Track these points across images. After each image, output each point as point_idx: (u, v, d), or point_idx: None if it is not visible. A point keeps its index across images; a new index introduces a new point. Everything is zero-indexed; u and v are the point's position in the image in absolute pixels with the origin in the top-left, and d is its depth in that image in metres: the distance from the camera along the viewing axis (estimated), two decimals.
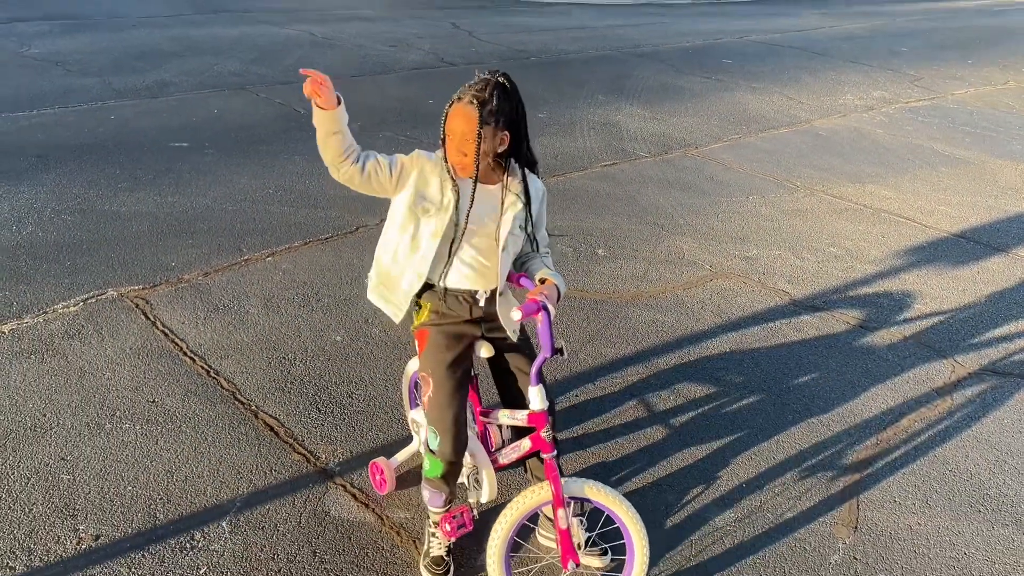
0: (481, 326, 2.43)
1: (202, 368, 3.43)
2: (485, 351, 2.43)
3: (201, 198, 5.07)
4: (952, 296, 4.55)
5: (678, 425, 3.32)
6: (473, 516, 2.50)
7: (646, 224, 5.20)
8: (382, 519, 2.74)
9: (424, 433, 2.77)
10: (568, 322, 4.00)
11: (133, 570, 2.47)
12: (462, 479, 2.60)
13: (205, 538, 2.60)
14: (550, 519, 2.54)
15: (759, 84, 9.10)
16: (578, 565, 2.35)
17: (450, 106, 2.19)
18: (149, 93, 7.20)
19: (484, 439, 2.59)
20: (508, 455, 2.47)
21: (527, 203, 2.35)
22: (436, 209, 2.28)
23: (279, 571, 2.51)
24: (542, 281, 2.34)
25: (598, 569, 2.56)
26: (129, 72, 7.83)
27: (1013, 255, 5.13)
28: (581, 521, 2.57)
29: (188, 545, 2.57)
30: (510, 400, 2.48)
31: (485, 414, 2.54)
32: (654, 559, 2.63)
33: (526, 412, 2.34)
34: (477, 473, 2.55)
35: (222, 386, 3.33)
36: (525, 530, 2.63)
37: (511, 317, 2.26)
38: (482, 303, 2.39)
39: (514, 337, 2.43)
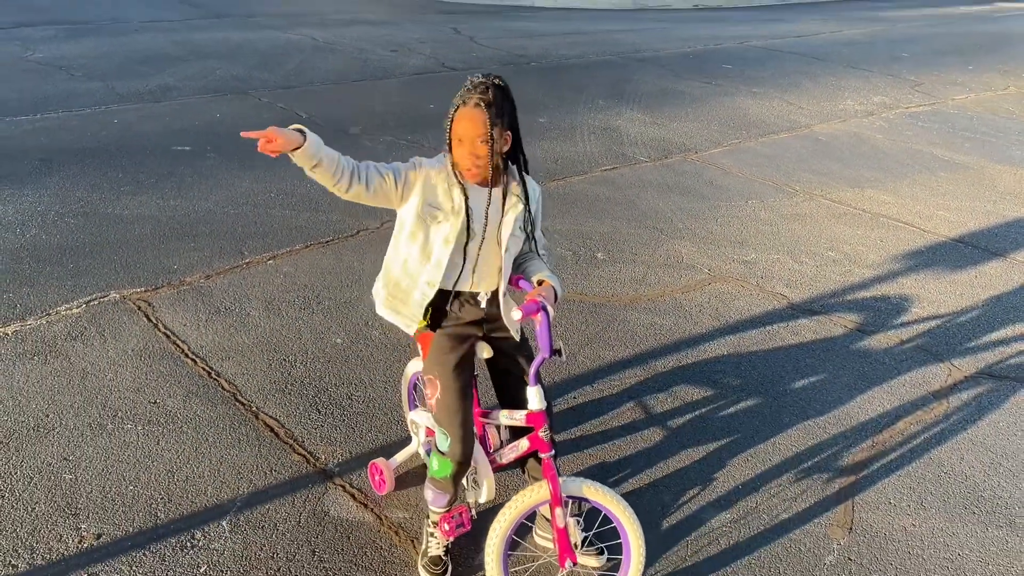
0: (483, 327, 2.45)
1: (203, 369, 3.46)
2: (485, 352, 2.46)
3: (203, 201, 5.11)
4: (949, 300, 4.58)
5: (675, 427, 3.35)
6: (472, 516, 2.53)
7: (645, 228, 5.23)
8: (381, 519, 2.76)
9: (423, 433, 2.80)
10: (567, 325, 4.03)
11: (134, 568, 2.50)
12: (462, 480, 2.62)
13: (205, 537, 2.63)
14: (547, 519, 2.57)
15: (759, 89, 9.14)
16: (575, 564, 2.37)
17: (455, 111, 2.20)
18: (152, 97, 7.25)
19: (483, 440, 2.62)
20: (506, 455, 2.49)
21: (527, 204, 2.38)
22: (445, 215, 2.29)
23: (278, 570, 2.53)
24: (540, 283, 2.37)
25: (595, 569, 2.58)
26: (132, 76, 7.88)
27: (1011, 260, 5.15)
28: (578, 521, 2.59)
29: (189, 544, 2.60)
30: (508, 401, 2.51)
31: (485, 415, 2.56)
32: (650, 559, 2.65)
33: (524, 412, 2.36)
34: (476, 473, 2.57)
35: (223, 387, 3.36)
36: (524, 529, 2.65)
37: (511, 317, 2.29)
38: (483, 304, 2.42)
39: (517, 337, 2.46)
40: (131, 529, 2.64)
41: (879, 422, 3.47)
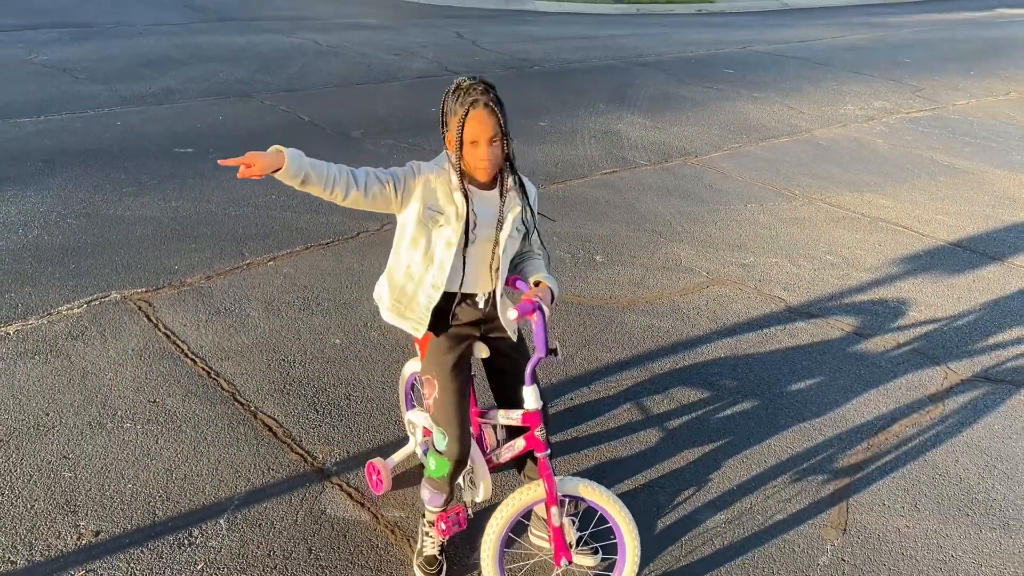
0: (480, 327, 2.47)
1: (203, 369, 3.48)
2: (483, 352, 2.48)
3: (205, 203, 5.14)
4: (947, 304, 4.59)
5: (672, 428, 3.36)
6: (468, 515, 2.55)
7: (644, 231, 5.25)
8: (377, 518, 2.78)
9: (420, 434, 2.82)
10: (565, 327, 4.05)
11: (132, 565, 2.52)
12: (458, 479, 2.64)
13: (203, 535, 2.65)
14: (543, 518, 2.59)
15: (760, 94, 9.16)
16: (570, 563, 2.39)
17: (466, 113, 2.19)
18: (155, 100, 7.28)
19: (480, 440, 2.64)
20: (503, 455, 2.51)
21: (527, 203, 2.40)
22: (447, 219, 2.30)
23: (275, 567, 2.55)
24: (536, 283, 2.39)
25: (590, 568, 2.59)
26: (136, 79, 7.92)
27: (1008, 264, 5.16)
28: (573, 520, 2.61)
29: (186, 541, 2.62)
30: (505, 400, 2.53)
31: (482, 415, 2.59)
32: (645, 559, 2.67)
33: (520, 412, 2.38)
34: (472, 473, 2.59)
35: (222, 387, 3.38)
36: (520, 527, 2.68)
37: (507, 317, 2.30)
38: (481, 305, 2.44)
39: (514, 337, 2.48)
40: (129, 526, 2.66)
41: (875, 424, 3.48)
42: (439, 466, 2.42)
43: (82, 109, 6.85)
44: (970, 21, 16.67)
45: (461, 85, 2.23)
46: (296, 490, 2.87)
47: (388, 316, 2.48)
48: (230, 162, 2.07)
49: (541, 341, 2.21)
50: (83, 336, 3.65)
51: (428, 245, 2.34)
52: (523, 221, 2.40)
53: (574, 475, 2.80)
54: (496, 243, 2.36)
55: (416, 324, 2.42)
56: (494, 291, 2.43)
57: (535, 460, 2.37)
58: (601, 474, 3.06)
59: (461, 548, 2.67)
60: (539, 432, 2.33)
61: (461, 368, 2.42)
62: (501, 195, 2.35)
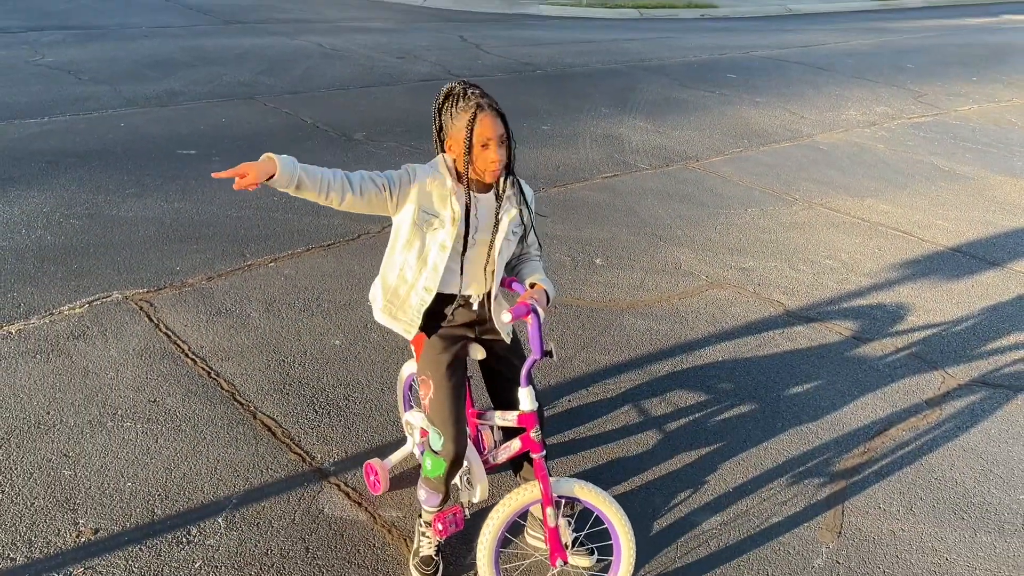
0: (475, 329, 2.49)
1: (203, 369, 3.50)
2: (479, 353, 2.50)
3: (207, 204, 5.17)
4: (945, 309, 4.60)
5: (669, 431, 3.38)
6: (465, 516, 2.56)
7: (644, 235, 5.26)
8: (374, 518, 2.80)
9: (418, 435, 2.84)
10: (563, 329, 4.06)
11: (130, 563, 2.54)
12: (455, 480, 2.66)
13: (201, 533, 2.67)
14: (539, 519, 2.60)
15: (762, 98, 9.18)
16: (566, 563, 2.40)
17: (473, 118, 2.21)
18: (159, 101, 7.32)
19: (477, 441, 2.66)
20: (499, 456, 2.53)
21: (525, 205, 2.42)
22: (441, 221, 2.32)
23: (272, 566, 2.57)
24: (532, 285, 2.41)
25: (585, 568, 2.61)
26: (139, 81, 7.96)
27: (1007, 269, 5.17)
28: (569, 521, 2.62)
29: (184, 540, 2.64)
30: (501, 402, 2.54)
31: (479, 416, 2.60)
32: (640, 560, 2.69)
33: (516, 413, 2.40)
34: (469, 474, 2.61)
35: (222, 387, 3.40)
36: (516, 527, 2.69)
37: (501, 319, 2.32)
38: (475, 307, 2.46)
39: (507, 339, 2.50)
40: (128, 525, 2.68)
41: (872, 428, 3.49)
42: (435, 466, 2.44)
43: (86, 110, 6.89)
44: (974, 27, 16.68)
45: (454, 90, 2.26)
46: (294, 490, 2.89)
47: (380, 317, 2.50)
48: (224, 174, 2.10)
49: (536, 343, 2.23)
50: (84, 336, 3.68)
51: (422, 247, 2.36)
52: (521, 223, 2.42)
53: (571, 476, 2.83)
54: (491, 246, 2.38)
55: (407, 326, 2.44)
56: (488, 293, 2.45)
57: (531, 461, 2.39)
58: (598, 475, 3.07)
59: (457, 548, 2.69)
60: (535, 433, 2.34)
61: (456, 368, 2.43)
62: (497, 197, 2.37)
